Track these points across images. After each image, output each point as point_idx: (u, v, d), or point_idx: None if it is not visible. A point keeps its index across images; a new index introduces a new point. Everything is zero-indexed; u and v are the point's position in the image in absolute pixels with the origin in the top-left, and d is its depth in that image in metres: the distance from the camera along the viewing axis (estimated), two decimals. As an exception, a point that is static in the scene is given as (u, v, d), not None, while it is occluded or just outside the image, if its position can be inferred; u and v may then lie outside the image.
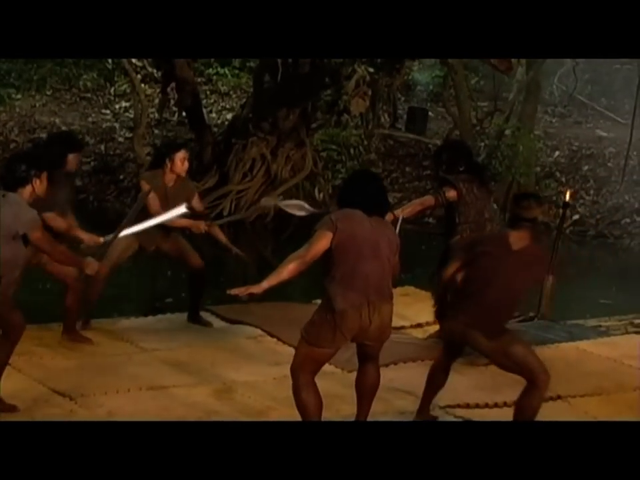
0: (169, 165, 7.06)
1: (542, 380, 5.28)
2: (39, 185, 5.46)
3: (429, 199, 7.07)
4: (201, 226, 7.17)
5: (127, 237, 6.77)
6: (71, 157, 6.59)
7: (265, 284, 4.95)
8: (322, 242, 4.94)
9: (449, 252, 6.76)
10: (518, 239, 5.30)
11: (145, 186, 7.01)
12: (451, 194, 6.86)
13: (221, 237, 7.39)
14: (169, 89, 15.47)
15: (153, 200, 6.99)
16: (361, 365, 5.31)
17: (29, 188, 5.43)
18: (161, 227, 6.99)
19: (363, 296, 4.95)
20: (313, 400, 5.04)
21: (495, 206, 7.17)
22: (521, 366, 5.30)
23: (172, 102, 15.97)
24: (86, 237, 6.51)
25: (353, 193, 5.14)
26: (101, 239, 6.46)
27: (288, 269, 4.92)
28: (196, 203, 7.28)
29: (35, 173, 5.44)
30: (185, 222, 7.10)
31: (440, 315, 5.78)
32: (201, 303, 7.45)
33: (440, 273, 6.72)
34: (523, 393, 5.33)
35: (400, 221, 6.61)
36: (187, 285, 7.48)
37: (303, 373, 5.05)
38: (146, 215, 6.88)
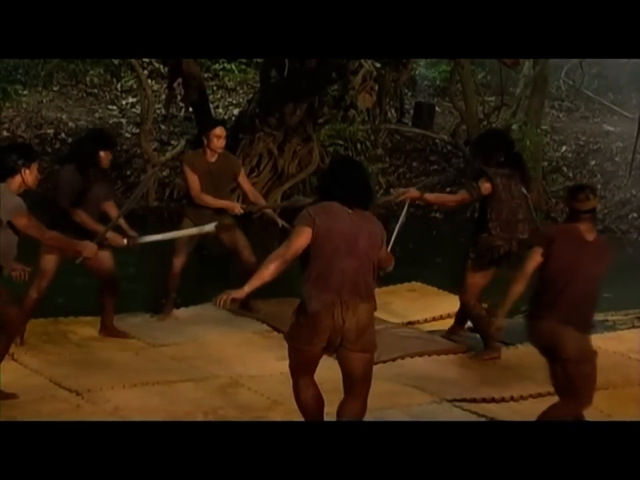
0: (205, 142, 7.23)
1: (585, 405, 5.27)
2: (28, 176, 5.50)
3: (463, 195, 6.77)
4: (237, 208, 7.28)
5: (188, 229, 7.15)
6: (103, 154, 6.66)
7: (247, 288, 4.81)
8: (301, 238, 4.77)
9: (477, 246, 6.67)
10: (586, 231, 5.31)
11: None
12: (486, 186, 6.60)
13: (266, 210, 7.62)
14: (175, 85, 15.46)
15: (193, 181, 7.23)
16: (345, 394, 4.95)
17: (17, 178, 5.48)
18: (217, 212, 7.20)
19: (336, 295, 4.77)
20: (312, 400, 4.94)
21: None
22: (584, 384, 5.20)
23: (179, 97, 15.96)
24: (110, 235, 6.56)
25: (333, 183, 4.91)
26: (125, 240, 6.60)
27: (269, 270, 4.77)
28: (242, 178, 7.49)
29: (24, 163, 5.48)
30: (222, 203, 7.27)
31: (531, 316, 5.42)
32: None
33: (476, 267, 6.70)
34: (560, 404, 5.26)
35: (406, 208, 6.58)
36: (239, 276, 7.49)
37: (298, 374, 4.97)
38: (195, 205, 7.22)
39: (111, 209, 6.79)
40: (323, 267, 4.78)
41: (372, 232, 4.88)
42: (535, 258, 5.31)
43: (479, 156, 6.83)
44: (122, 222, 6.78)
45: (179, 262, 7.32)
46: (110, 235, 6.56)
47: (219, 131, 7.25)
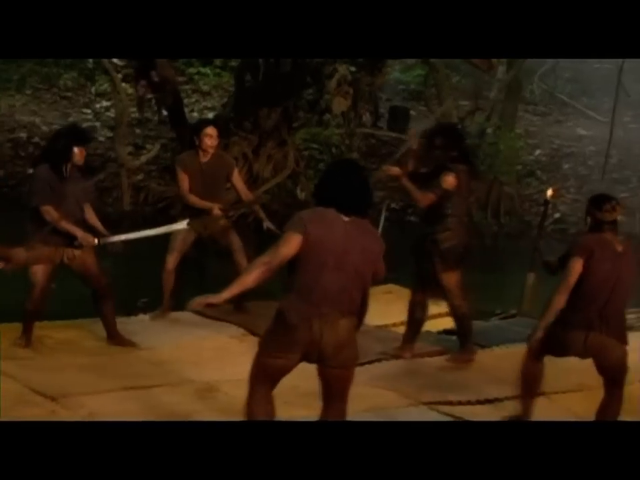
0: (197, 142, 7.30)
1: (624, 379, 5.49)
2: None
3: (431, 197, 6.51)
4: (214, 209, 7.28)
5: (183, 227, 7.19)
6: (77, 151, 6.54)
7: (226, 294, 4.55)
8: (291, 245, 4.48)
9: (441, 246, 6.59)
10: (614, 241, 5.34)
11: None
12: (449, 181, 6.49)
13: (257, 210, 7.65)
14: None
15: (181, 180, 7.32)
16: (324, 406, 4.74)
17: None
18: (213, 217, 7.24)
19: (316, 308, 4.52)
20: (263, 416, 4.66)
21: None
22: (625, 371, 5.45)
23: (153, 101, 15.91)
24: (80, 234, 6.50)
25: (331, 188, 4.60)
26: (95, 240, 6.53)
27: (252, 277, 4.51)
28: (235, 178, 7.50)
29: None
30: (204, 204, 7.28)
31: (577, 327, 5.37)
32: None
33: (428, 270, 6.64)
34: (609, 397, 5.49)
35: (383, 214, 6.56)
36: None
37: (259, 384, 4.67)
38: (192, 207, 7.28)
39: (88, 210, 6.71)
40: (308, 279, 4.53)
41: (366, 247, 4.60)
42: (577, 268, 5.28)
43: (433, 150, 6.63)
44: (97, 223, 6.70)
45: (172, 259, 7.34)
46: (81, 234, 6.49)
47: (210, 130, 7.31)
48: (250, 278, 4.53)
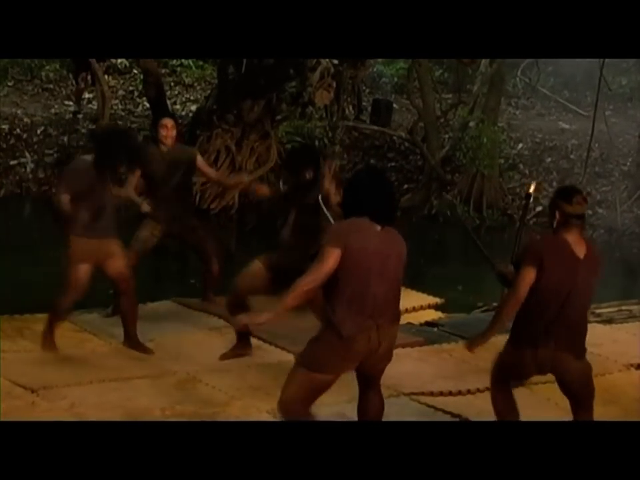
0: (157, 135, 7.38)
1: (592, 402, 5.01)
2: None
3: None
4: (143, 206, 7.25)
5: (148, 225, 7.26)
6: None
7: (272, 315, 4.53)
8: (331, 260, 4.45)
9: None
10: (575, 243, 4.81)
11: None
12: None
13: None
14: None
15: (133, 177, 7.33)
16: (363, 392, 4.86)
17: None
18: (181, 214, 7.29)
19: (371, 319, 4.52)
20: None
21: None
22: (591, 391, 4.97)
23: (136, 93, 15.85)
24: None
25: (362, 198, 4.56)
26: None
27: (296, 296, 4.47)
28: (200, 163, 7.52)
29: None
30: (135, 198, 7.31)
31: (521, 343, 4.89)
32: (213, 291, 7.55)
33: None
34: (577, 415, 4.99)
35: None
36: (201, 275, 7.71)
37: (298, 404, 4.61)
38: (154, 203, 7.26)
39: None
40: (356, 290, 4.50)
41: (400, 252, 4.65)
42: (529, 279, 4.76)
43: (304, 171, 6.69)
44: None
45: (130, 255, 7.23)
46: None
47: (165, 121, 7.38)
48: (295, 298, 4.50)
